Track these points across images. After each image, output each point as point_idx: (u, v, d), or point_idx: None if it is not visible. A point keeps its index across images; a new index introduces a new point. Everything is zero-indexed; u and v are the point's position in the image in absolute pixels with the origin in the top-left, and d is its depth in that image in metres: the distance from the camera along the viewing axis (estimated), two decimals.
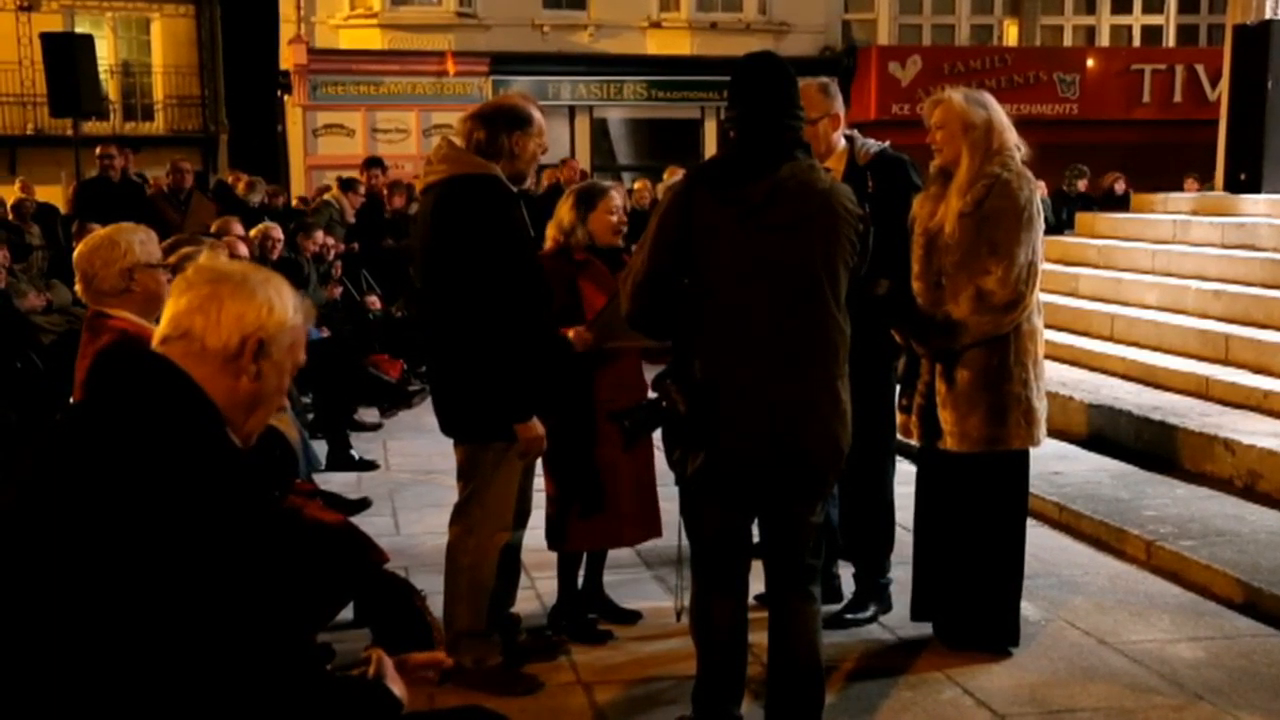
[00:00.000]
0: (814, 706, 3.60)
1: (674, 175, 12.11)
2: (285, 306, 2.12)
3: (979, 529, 4.39)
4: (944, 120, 4.28)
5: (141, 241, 4.00)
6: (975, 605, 4.45)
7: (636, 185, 13.80)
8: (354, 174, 12.82)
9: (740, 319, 3.39)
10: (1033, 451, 4.45)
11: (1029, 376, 4.29)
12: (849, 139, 4.67)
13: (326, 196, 11.85)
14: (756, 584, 3.72)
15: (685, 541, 3.69)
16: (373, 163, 12.29)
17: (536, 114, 4.12)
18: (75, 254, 4.10)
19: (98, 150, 11.13)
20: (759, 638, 3.72)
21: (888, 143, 4.73)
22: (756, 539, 3.69)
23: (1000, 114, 4.29)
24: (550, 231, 4.55)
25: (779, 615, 3.61)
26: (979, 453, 4.29)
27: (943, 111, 4.29)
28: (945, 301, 4.28)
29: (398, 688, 2.18)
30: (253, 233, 8.55)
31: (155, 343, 2.08)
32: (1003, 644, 4.47)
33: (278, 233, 8.88)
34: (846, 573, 4.93)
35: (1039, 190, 4.38)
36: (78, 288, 4.05)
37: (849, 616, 4.76)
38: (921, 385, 4.42)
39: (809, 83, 4.36)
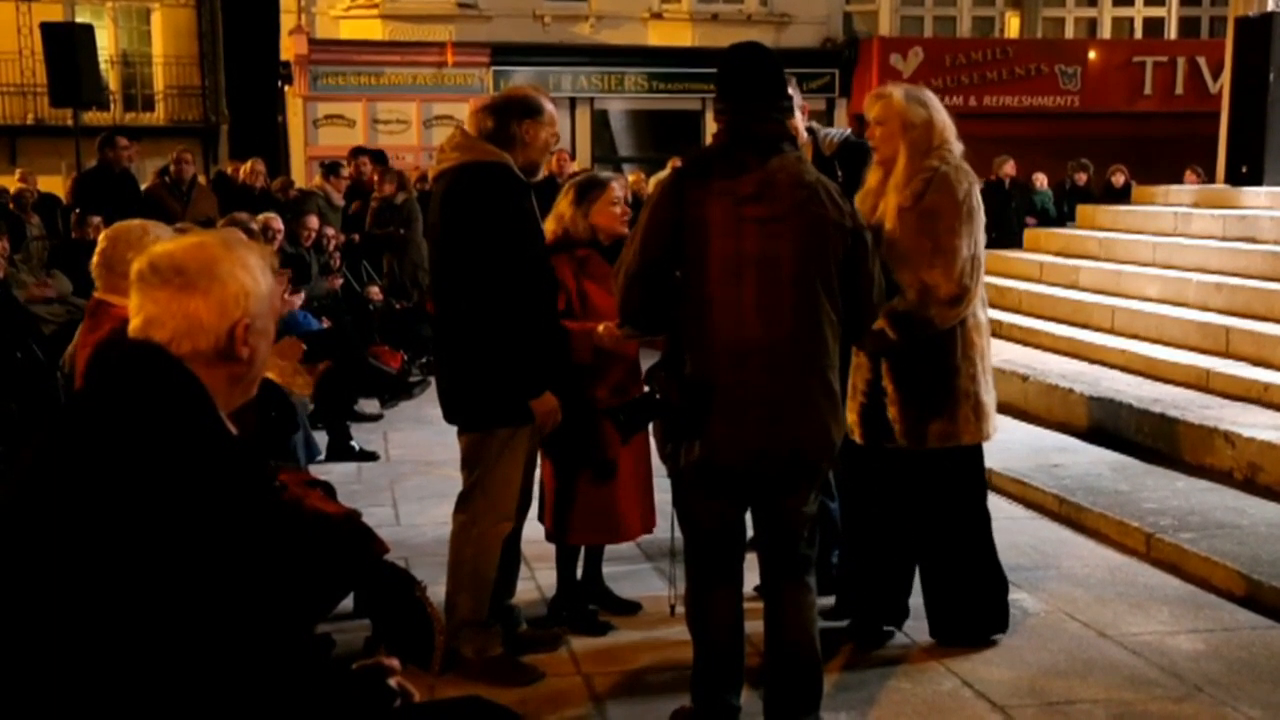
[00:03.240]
0: (812, 696, 3.61)
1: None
2: (257, 277, 2.06)
3: (943, 526, 4.35)
4: (884, 117, 4.22)
5: None
6: (958, 599, 4.43)
7: (631, 178, 13.75)
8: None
9: (731, 311, 3.39)
10: (1033, 443, 4.46)
11: (977, 371, 4.24)
12: (810, 130, 4.66)
13: (311, 185, 11.87)
14: (752, 575, 3.71)
15: (679, 534, 3.69)
16: (358, 152, 12.30)
17: (548, 104, 4.13)
18: (103, 234, 4.16)
19: (108, 138, 11.07)
20: (756, 627, 3.72)
21: (849, 130, 4.70)
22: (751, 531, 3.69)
23: (941, 113, 4.23)
24: (550, 225, 4.53)
25: (775, 605, 3.61)
26: (931, 449, 4.23)
27: (883, 108, 4.23)
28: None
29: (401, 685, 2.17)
30: (254, 223, 8.54)
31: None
32: (990, 633, 4.47)
33: (278, 223, 8.89)
34: None
35: (978, 183, 4.31)
36: (93, 262, 4.08)
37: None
38: (864, 384, 4.31)
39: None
